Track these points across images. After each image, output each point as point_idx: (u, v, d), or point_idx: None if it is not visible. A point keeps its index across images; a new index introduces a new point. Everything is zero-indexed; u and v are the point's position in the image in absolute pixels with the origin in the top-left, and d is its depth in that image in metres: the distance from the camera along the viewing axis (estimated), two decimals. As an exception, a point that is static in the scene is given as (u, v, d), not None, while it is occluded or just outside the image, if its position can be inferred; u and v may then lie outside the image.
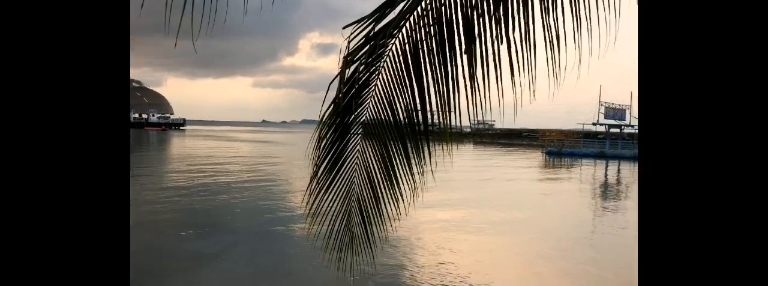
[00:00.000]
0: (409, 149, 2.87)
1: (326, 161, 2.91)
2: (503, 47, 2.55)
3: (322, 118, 2.77)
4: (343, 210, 3.04)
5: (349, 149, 2.96)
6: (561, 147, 47.48)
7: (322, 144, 2.84)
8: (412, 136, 2.86)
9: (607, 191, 24.08)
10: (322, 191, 2.97)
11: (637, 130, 49.61)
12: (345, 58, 2.70)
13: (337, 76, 2.68)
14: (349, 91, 2.78)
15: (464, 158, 38.20)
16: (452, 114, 2.72)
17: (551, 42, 2.48)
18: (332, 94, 2.74)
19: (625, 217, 16.41)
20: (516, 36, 2.50)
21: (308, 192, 2.89)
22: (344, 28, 2.71)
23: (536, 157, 43.85)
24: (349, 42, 2.68)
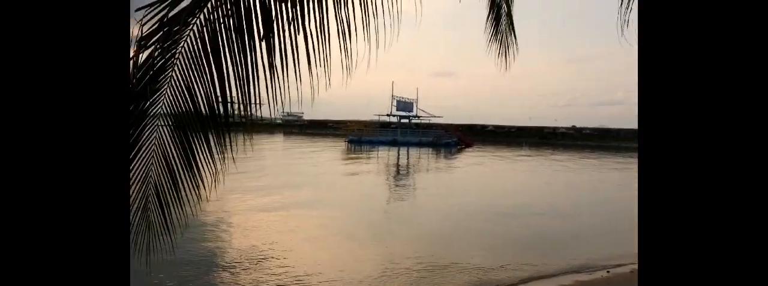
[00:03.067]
0: (211, 139, 2.65)
1: (120, 149, 2.55)
2: (300, 38, 2.46)
3: (115, 104, 2.42)
4: (139, 197, 2.71)
5: (146, 135, 2.63)
6: (361, 136, 49.27)
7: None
8: (214, 125, 2.64)
9: (399, 170, 25.61)
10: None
11: (422, 121, 53.98)
12: (138, 42, 2.39)
13: (129, 60, 2.36)
14: (144, 76, 2.47)
15: (276, 146, 37.73)
16: (253, 103, 2.56)
17: (343, 34, 2.44)
18: (127, 80, 2.41)
19: (411, 193, 17.58)
20: (312, 27, 2.43)
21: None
22: (137, 10, 2.39)
23: (340, 145, 44.98)
24: (142, 25, 2.38)
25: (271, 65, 2.48)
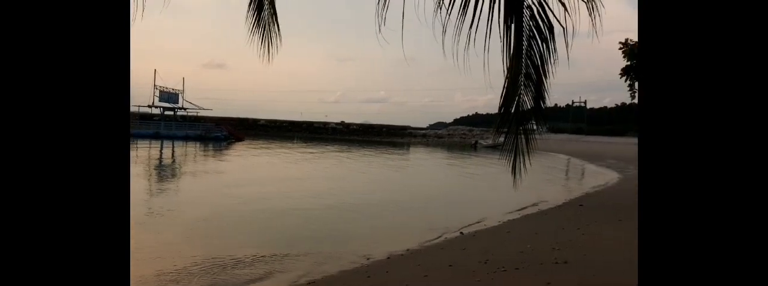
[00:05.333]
0: None
1: None
2: None
3: None
4: None
5: None
6: (117, 128, 44.23)
7: None
8: None
9: (164, 165, 23.69)
10: None
11: (190, 113, 50.98)
12: None
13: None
14: None
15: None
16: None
17: None
18: None
19: (177, 190, 16.43)
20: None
21: None
22: None
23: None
24: None
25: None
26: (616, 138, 65.30)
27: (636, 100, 16.99)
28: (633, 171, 25.21)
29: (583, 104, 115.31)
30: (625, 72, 14.61)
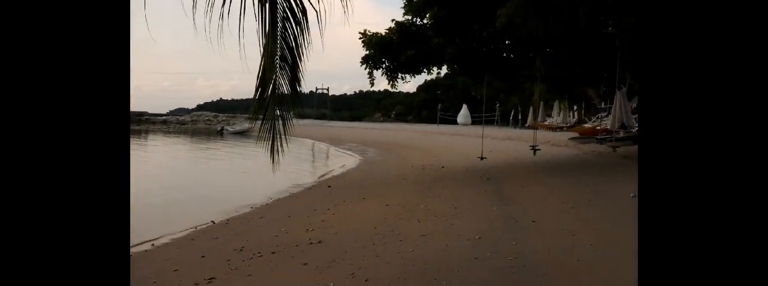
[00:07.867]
0: None
1: None
2: None
3: None
4: None
5: None
6: None
7: None
8: None
9: None
10: None
11: None
12: None
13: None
14: None
15: None
16: None
17: None
18: None
19: None
20: None
21: None
22: None
23: None
24: None
25: None
26: (355, 123, 70.47)
27: (374, 88, 18.55)
28: (372, 153, 27.66)
29: (326, 91, 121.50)
30: (365, 60, 15.79)
